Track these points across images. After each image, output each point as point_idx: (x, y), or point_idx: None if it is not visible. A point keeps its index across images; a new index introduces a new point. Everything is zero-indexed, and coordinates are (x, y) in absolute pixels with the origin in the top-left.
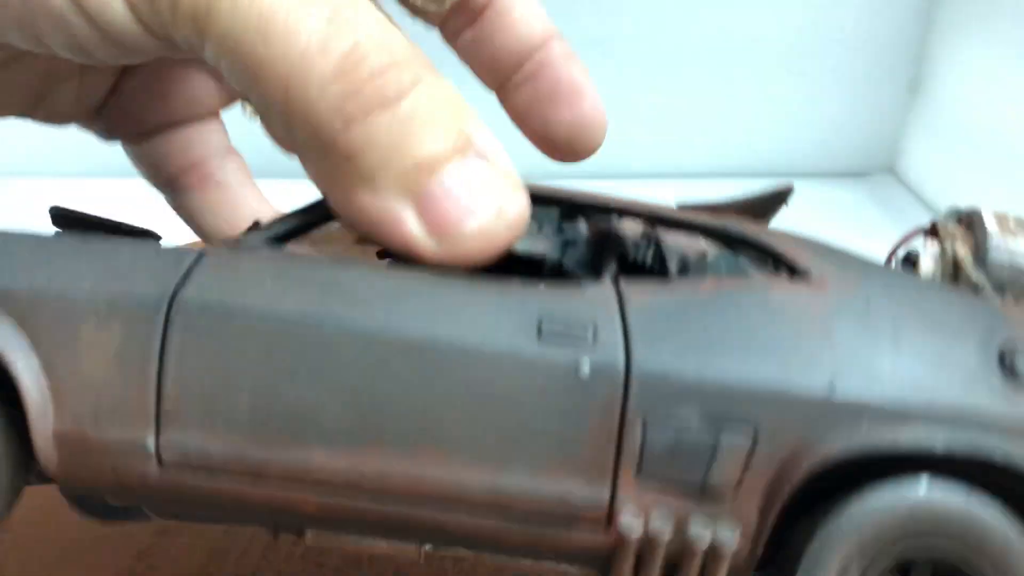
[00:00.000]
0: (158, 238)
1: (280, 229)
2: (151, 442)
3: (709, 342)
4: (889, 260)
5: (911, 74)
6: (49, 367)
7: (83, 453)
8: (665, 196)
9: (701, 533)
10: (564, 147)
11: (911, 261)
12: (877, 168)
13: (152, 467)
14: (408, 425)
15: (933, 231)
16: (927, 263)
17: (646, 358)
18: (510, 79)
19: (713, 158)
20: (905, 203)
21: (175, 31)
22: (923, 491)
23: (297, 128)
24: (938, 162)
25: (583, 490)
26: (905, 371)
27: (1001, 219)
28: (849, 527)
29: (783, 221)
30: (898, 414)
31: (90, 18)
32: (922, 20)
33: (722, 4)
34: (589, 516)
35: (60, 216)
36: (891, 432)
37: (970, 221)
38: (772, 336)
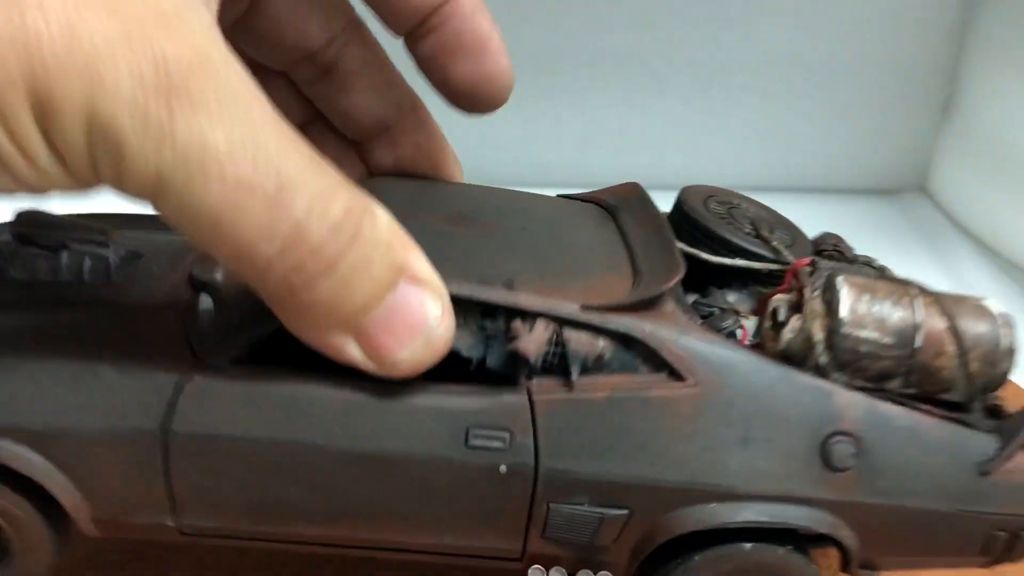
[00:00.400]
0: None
1: (237, 348)
2: (172, 522)
3: (599, 446)
4: (761, 310)
5: (944, 94)
6: (77, 481)
7: (118, 528)
8: None
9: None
10: (466, 100)
11: (777, 320)
12: (908, 187)
13: (175, 534)
14: (368, 508)
15: (799, 300)
16: (787, 335)
17: (550, 460)
18: (415, 29)
19: (744, 174)
20: (935, 223)
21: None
22: (748, 548)
23: (253, 285)
24: (969, 182)
25: (503, 543)
26: (748, 464)
27: (855, 303)
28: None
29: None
30: (737, 498)
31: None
32: (956, 41)
33: (756, 21)
34: (508, 556)
35: (21, 235)
36: (731, 512)
37: (830, 301)
38: (649, 437)
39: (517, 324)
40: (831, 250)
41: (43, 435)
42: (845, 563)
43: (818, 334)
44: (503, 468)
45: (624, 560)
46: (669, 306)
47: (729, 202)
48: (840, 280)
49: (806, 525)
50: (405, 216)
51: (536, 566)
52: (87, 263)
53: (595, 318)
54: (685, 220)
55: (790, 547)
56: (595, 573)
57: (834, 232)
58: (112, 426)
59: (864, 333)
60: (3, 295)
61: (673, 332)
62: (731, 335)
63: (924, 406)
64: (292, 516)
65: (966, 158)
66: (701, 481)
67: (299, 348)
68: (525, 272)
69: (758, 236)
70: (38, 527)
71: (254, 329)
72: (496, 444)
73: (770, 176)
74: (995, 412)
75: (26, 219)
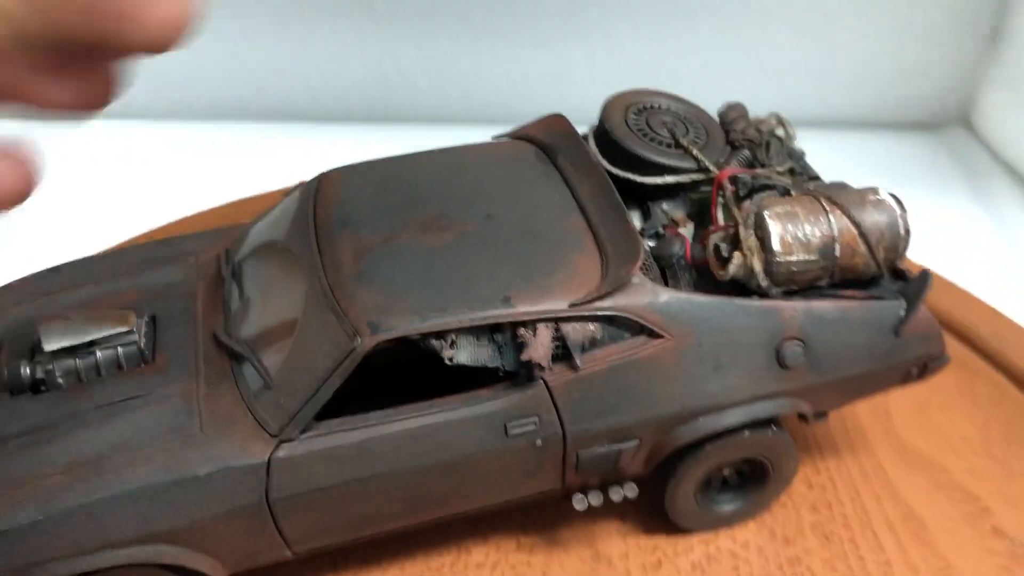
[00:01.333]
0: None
1: (303, 420)
2: (288, 553)
3: (607, 404)
4: (705, 244)
5: (990, 24)
6: (211, 553)
7: (247, 569)
8: None
9: (624, 488)
10: None
11: (721, 256)
12: (951, 120)
13: (290, 557)
14: (438, 498)
15: (736, 236)
16: (732, 268)
17: (573, 425)
18: None
19: (783, 108)
20: (978, 157)
21: None
22: (747, 434)
23: None
24: (1013, 116)
25: (546, 487)
26: (723, 384)
27: (783, 234)
28: (701, 455)
29: (856, 171)
30: (719, 410)
31: None
32: None
33: None
34: (550, 493)
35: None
36: (716, 420)
37: (762, 238)
38: (643, 387)
39: (523, 332)
40: (740, 135)
41: (173, 532)
42: (803, 419)
43: (757, 265)
44: (539, 442)
45: (640, 470)
46: (636, 278)
47: (647, 107)
48: (767, 216)
49: (774, 414)
50: (387, 236)
51: (577, 495)
52: (120, 352)
53: (583, 310)
54: (611, 144)
55: (773, 427)
56: (622, 487)
57: (737, 103)
58: (225, 510)
59: (793, 257)
60: (62, 409)
61: (645, 302)
62: (675, 253)
63: (847, 292)
64: (381, 521)
65: (1012, 91)
66: (689, 406)
67: (351, 398)
68: (513, 282)
69: (677, 145)
70: None
71: (315, 399)
72: (529, 427)
73: (810, 110)
74: (898, 273)
75: (52, 336)
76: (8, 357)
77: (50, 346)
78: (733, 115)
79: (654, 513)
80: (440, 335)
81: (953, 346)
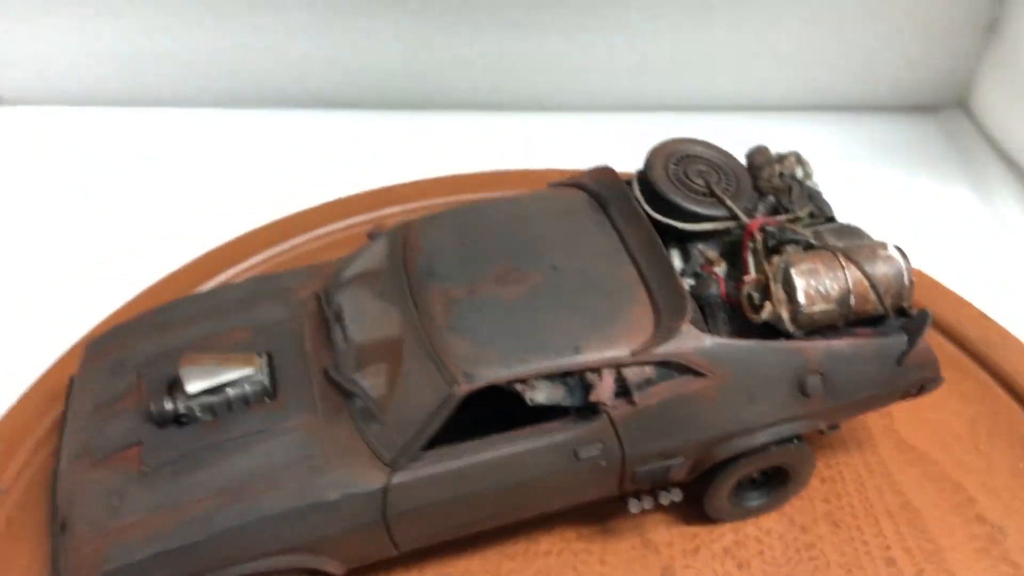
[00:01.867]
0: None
1: (414, 451)
2: (395, 552)
3: (659, 431)
4: (739, 289)
5: (989, 14)
6: (336, 557)
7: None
8: (740, 129)
9: (669, 495)
10: None
11: (753, 303)
12: (947, 103)
13: (396, 553)
14: (524, 506)
15: (767, 288)
16: (764, 315)
17: (630, 448)
18: None
19: (782, 90)
20: (973, 141)
21: None
22: (774, 449)
23: None
24: (1011, 101)
25: (605, 493)
26: (755, 411)
27: (807, 288)
28: (735, 467)
29: (848, 153)
30: (751, 432)
31: None
32: None
33: None
34: (607, 497)
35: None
36: (748, 440)
37: (789, 292)
38: (689, 416)
39: (590, 376)
40: (766, 182)
41: (308, 544)
42: (820, 432)
43: (785, 314)
44: (603, 463)
45: (683, 479)
46: (685, 327)
47: (686, 155)
48: (793, 274)
49: (796, 433)
50: (469, 289)
51: (632, 500)
52: (247, 390)
53: (641, 357)
54: (654, 193)
55: (795, 441)
56: (668, 491)
57: (762, 147)
58: (352, 526)
59: (816, 308)
60: (203, 441)
61: (692, 347)
62: (712, 294)
63: (858, 331)
64: (472, 525)
65: (1008, 77)
66: (727, 430)
67: (453, 430)
68: (582, 333)
69: (712, 194)
70: None
71: (421, 434)
72: (595, 452)
73: (807, 94)
74: (902, 311)
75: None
76: (148, 393)
77: (192, 389)
78: (759, 160)
79: (692, 508)
80: (523, 380)
81: (945, 347)
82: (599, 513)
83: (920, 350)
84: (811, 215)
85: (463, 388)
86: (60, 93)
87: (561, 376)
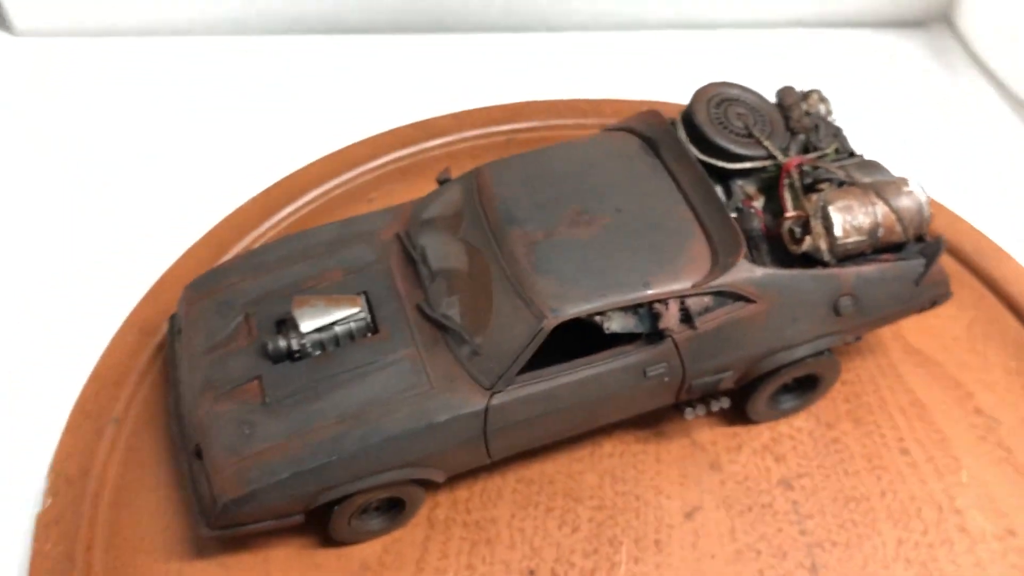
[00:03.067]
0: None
1: (509, 377)
2: (488, 460)
3: (715, 350)
4: (780, 226)
5: None
6: (442, 467)
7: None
8: (726, 47)
9: (718, 402)
10: None
11: (795, 237)
12: (932, 17)
13: (489, 461)
14: (604, 414)
15: (806, 224)
16: (805, 246)
17: (691, 365)
18: None
19: (764, 5)
20: (958, 57)
21: None
22: (810, 360)
23: None
24: (996, 15)
25: (666, 402)
26: (797, 330)
27: (843, 223)
28: (777, 376)
29: (836, 70)
30: (792, 347)
31: None
32: None
33: None
34: (667, 404)
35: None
36: (790, 354)
37: (827, 227)
38: (740, 337)
39: (658, 306)
40: (797, 122)
41: (421, 459)
42: (847, 343)
43: (823, 246)
44: (666, 379)
45: (730, 387)
46: (740, 260)
47: (726, 98)
48: (831, 210)
49: (829, 346)
50: (547, 232)
51: (687, 408)
52: (353, 327)
53: (702, 288)
54: (699, 134)
55: (827, 352)
56: (718, 400)
57: (789, 88)
58: (458, 443)
59: (850, 240)
60: (318, 374)
61: (745, 278)
62: (754, 227)
63: (883, 256)
64: (559, 435)
65: None
66: (772, 346)
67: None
68: (649, 269)
69: (750, 135)
70: (421, 493)
71: (516, 362)
72: (661, 371)
73: (793, 9)
74: (920, 238)
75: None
76: (260, 331)
77: (306, 327)
78: (788, 101)
79: (732, 412)
80: (600, 312)
81: (942, 260)
82: (654, 419)
83: (935, 271)
84: (836, 151)
85: (551, 322)
86: (72, 24)
87: (633, 307)
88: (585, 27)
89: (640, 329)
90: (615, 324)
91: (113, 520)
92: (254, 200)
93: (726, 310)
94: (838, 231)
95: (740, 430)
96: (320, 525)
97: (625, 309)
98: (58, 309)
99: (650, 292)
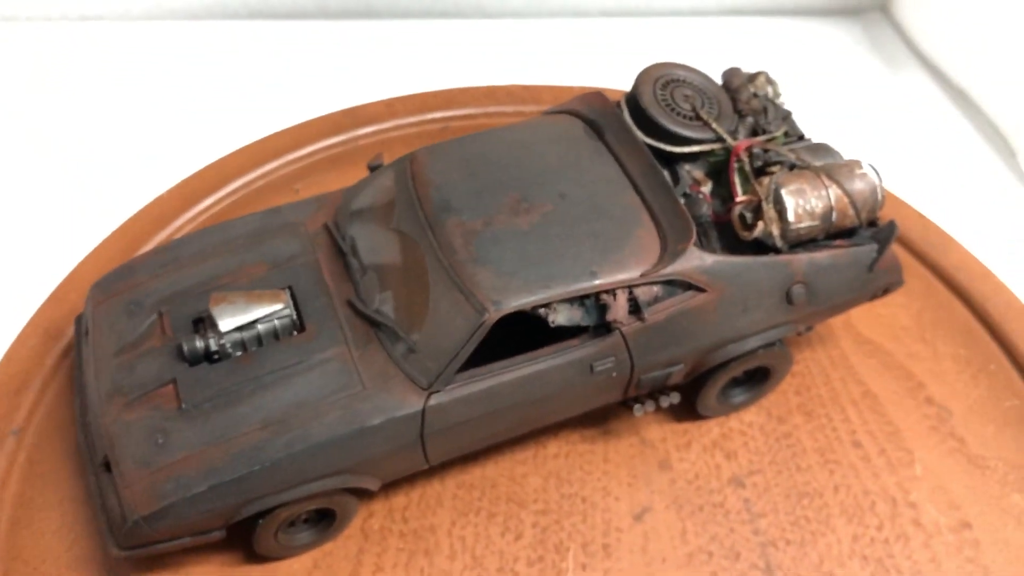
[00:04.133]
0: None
1: (447, 376)
2: (425, 466)
3: (664, 342)
4: (730, 212)
5: None
6: (376, 474)
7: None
8: (664, 35)
9: (668, 398)
10: None
11: (746, 222)
12: (868, 6)
13: (427, 466)
14: (545, 413)
15: (758, 209)
16: (756, 232)
17: (639, 359)
18: None
19: None
20: (895, 46)
21: None
22: (761, 351)
23: None
24: (932, 4)
25: (613, 398)
26: (748, 320)
27: (795, 208)
28: (727, 369)
29: (772, 59)
30: (743, 338)
31: None
32: None
33: None
34: (615, 401)
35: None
36: (741, 346)
37: (780, 211)
38: (691, 327)
39: (605, 297)
40: (745, 104)
41: (353, 466)
42: (798, 334)
43: (776, 231)
44: (614, 374)
45: (680, 382)
46: (690, 248)
47: (672, 79)
48: (783, 193)
49: (780, 337)
50: (485, 220)
51: (636, 405)
52: (277, 325)
53: (651, 277)
54: (644, 117)
55: (779, 344)
56: (667, 395)
57: (736, 69)
58: (392, 448)
59: (803, 224)
60: (240, 375)
61: (695, 266)
62: (703, 213)
63: (836, 243)
64: (501, 435)
65: None
66: (723, 337)
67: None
68: (596, 259)
69: (698, 117)
70: (354, 502)
71: (455, 359)
72: (608, 365)
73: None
74: (872, 223)
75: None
76: (174, 331)
77: (226, 326)
78: (736, 83)
79: (681, 408)
80: (544, 305)
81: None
82: (601, 417)
83: (887, 257)
84: (786, 134)
85: (493, 315)
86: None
87: (579, 299)
88: (519, 14)
89: (587, 322)
90: (561, 317)
91: (12, 541)
92: (171, 191)
93: (676, 300)
94: (791, 216)
95: (690, 426)
96: (244, 540)
97: (571, 301)
98: None
99: (597, 282)
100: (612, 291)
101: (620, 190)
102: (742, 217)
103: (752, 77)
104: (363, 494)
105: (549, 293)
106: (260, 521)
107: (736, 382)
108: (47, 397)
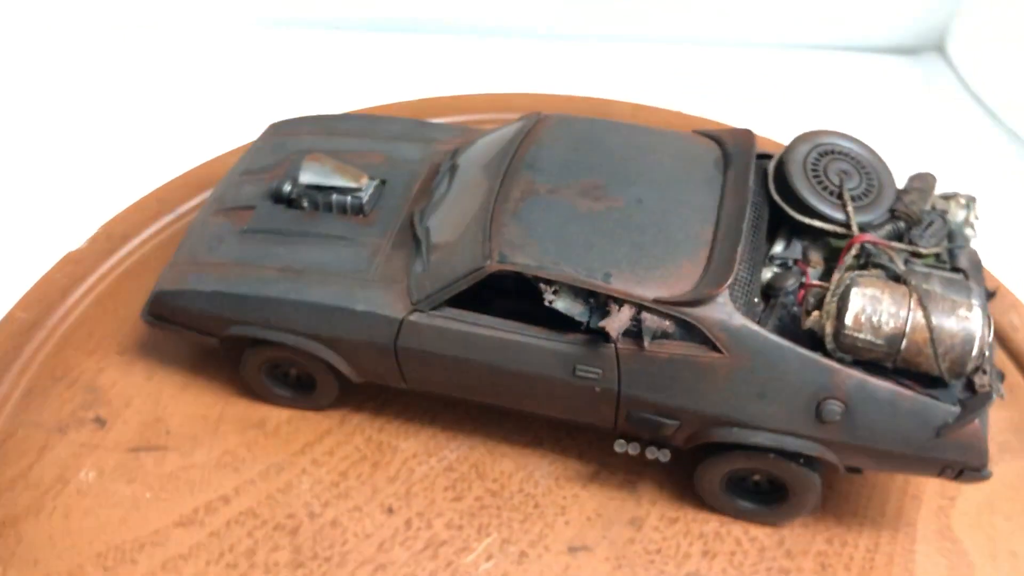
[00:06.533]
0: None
1: (436, 301)
2: (403, 385)
3: (659, 385)
4: (801, 303)
5: None
6: (350, 362)
7: (371, 381)
8: (714, 65)
9: (657, 453)
10: None
11: (807, 310)
12: (925, 46)
13: (406, 387)
14: (516, 394)
15: (819, 304)
16: (810, 323)
17: (628, 389)
18: None
19: (757, 27)
20: (950, 86)
21: None
22: (772, 457)
23: None
24: (988, 45)
25: (599, 422)
26: (762, 410)
27: (859, 312)
28: (730, 456)
29: (826, 94)
30: (752, 428)
31: None
32: None
33: None
34: (604, 427)
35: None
36: (747, 435)
37: (840, 308)
38: (693, 385)
39: (611, 304)
40: (904, 205)
41: (331, 340)
42: (835, 469)
43: (828, 328)
44: (597, 388)
45: (680, 444)
46: (720, 296)
47: (833, 151)
48: (852, 293)
49: (799, 451)
50: (552, 189)
51: (619, 440)
52: (348, 201)
53: (663, 307)
54: (781, 175)
55: (801, 460)
56: (659, 449)
57: (926, 174)
58: (367, 340)
59: (860, 335)
60: (297, 226)
61: (718, 319)
62: (788, 287)
63: (907, 381)
64: (471, 392)
65: (984, 20)
66: (728, 415)
67: (476, 301)
68: (620, 264)
69: (839, 196)
70: (333, 383)
71: (446, 290)
72: (592, 376)
73: (780, 32)
74: (970, 386)
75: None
76: (284, 173)
77: (304, 180)
78: (913, 185)
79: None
80: (549, 281)
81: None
82: (606, 450)
83: (967, 430)
84: (937, 256)
85: (492, 265)
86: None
87: (586, 293)
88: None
89: (583, 318)
90: (561, 302)
91: None
92: (149, 196)
93: (685, 346)
94: (849, 319)
95: (691, 507)
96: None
97: (577, 292)
98: None
99: (606, 284)
100: (620, 300)
101: (700, 220)
102: (806, 302)
103: (948, 196)
104: (343, 381)
105: (555, 270)
106: (247, 350)
107: (745, 485)
108: None
